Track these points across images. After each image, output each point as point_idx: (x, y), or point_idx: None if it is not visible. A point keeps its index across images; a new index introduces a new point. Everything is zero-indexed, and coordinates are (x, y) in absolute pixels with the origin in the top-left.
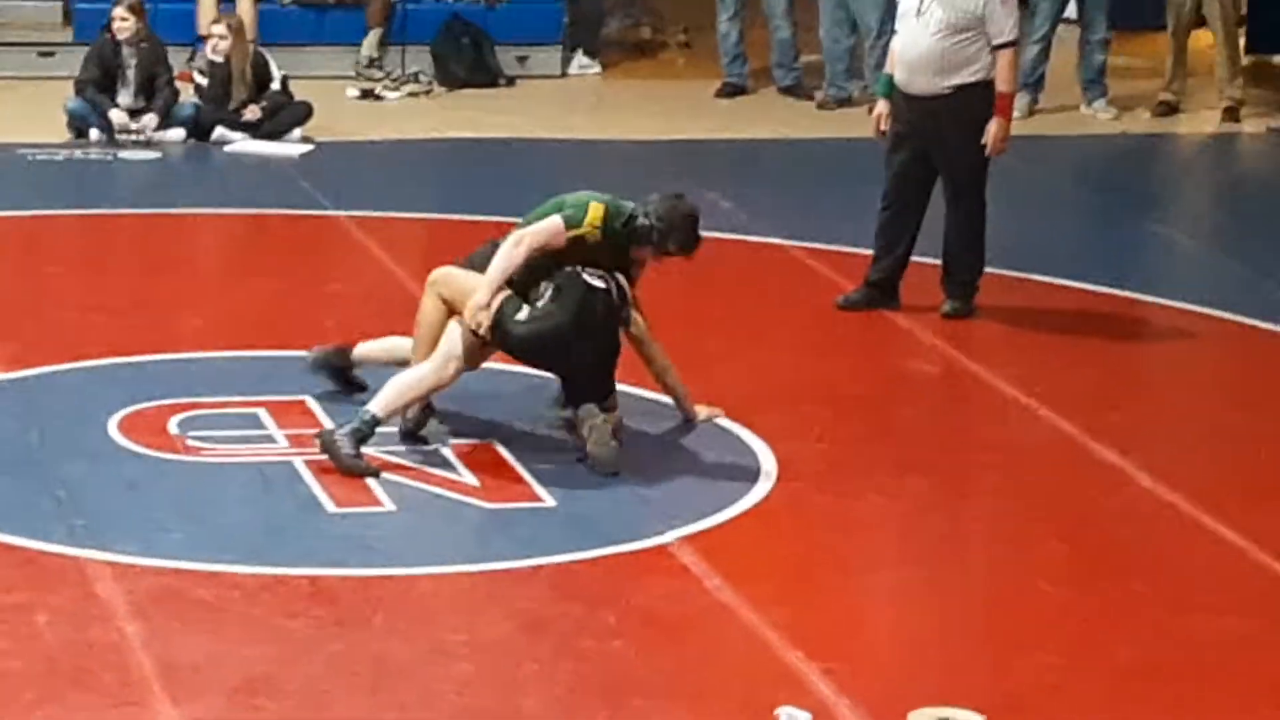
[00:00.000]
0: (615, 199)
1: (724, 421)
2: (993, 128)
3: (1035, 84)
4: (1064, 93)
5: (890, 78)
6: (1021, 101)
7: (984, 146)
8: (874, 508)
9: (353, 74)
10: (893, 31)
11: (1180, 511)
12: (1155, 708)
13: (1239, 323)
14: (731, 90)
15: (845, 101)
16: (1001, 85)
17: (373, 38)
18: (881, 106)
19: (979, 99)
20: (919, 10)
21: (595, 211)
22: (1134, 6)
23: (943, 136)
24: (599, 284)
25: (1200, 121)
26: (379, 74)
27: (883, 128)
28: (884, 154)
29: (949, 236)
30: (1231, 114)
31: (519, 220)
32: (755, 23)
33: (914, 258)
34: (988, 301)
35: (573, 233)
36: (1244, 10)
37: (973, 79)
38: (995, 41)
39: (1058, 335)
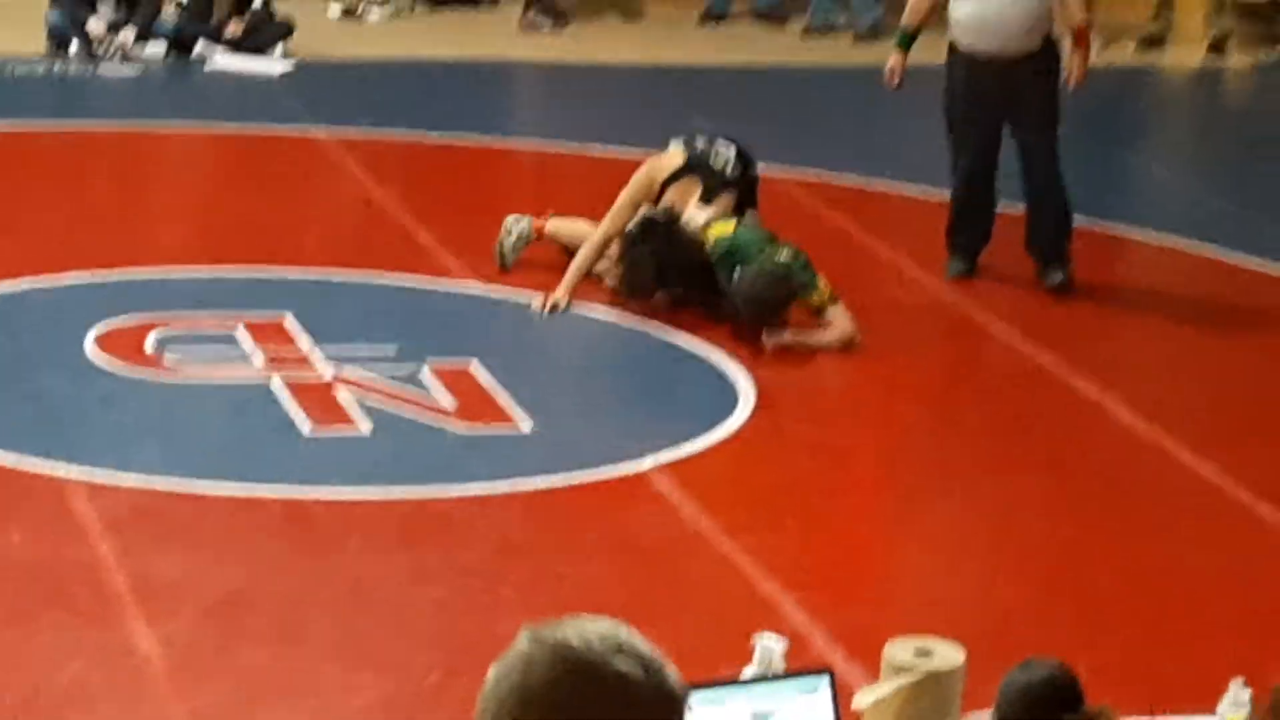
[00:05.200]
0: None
1: (703, 348)
2: (1076, 59)
3: None
4: None
5: (910, 33)
6: None
7: (1058, 99)
8: (852, 437)
9: None
10: None
11: (1159, 445)
12: (1132, 639)
13: (1219, 257)
14: (715, 16)
15: (830, 29)
16: (1076, 18)
17: None
18: (895, 60)
19: (1053, 56)
20: None
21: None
22: None
23: (1024, 99)
24: None
25: (1185, 54)
26: None
27: (896, 81)
28: (955, 127)
29: (1037, 208)
30: (1217, 47)
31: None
32: None
33: (898, 188)
34: None
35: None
36: None
37: (1045, 34)
38: None
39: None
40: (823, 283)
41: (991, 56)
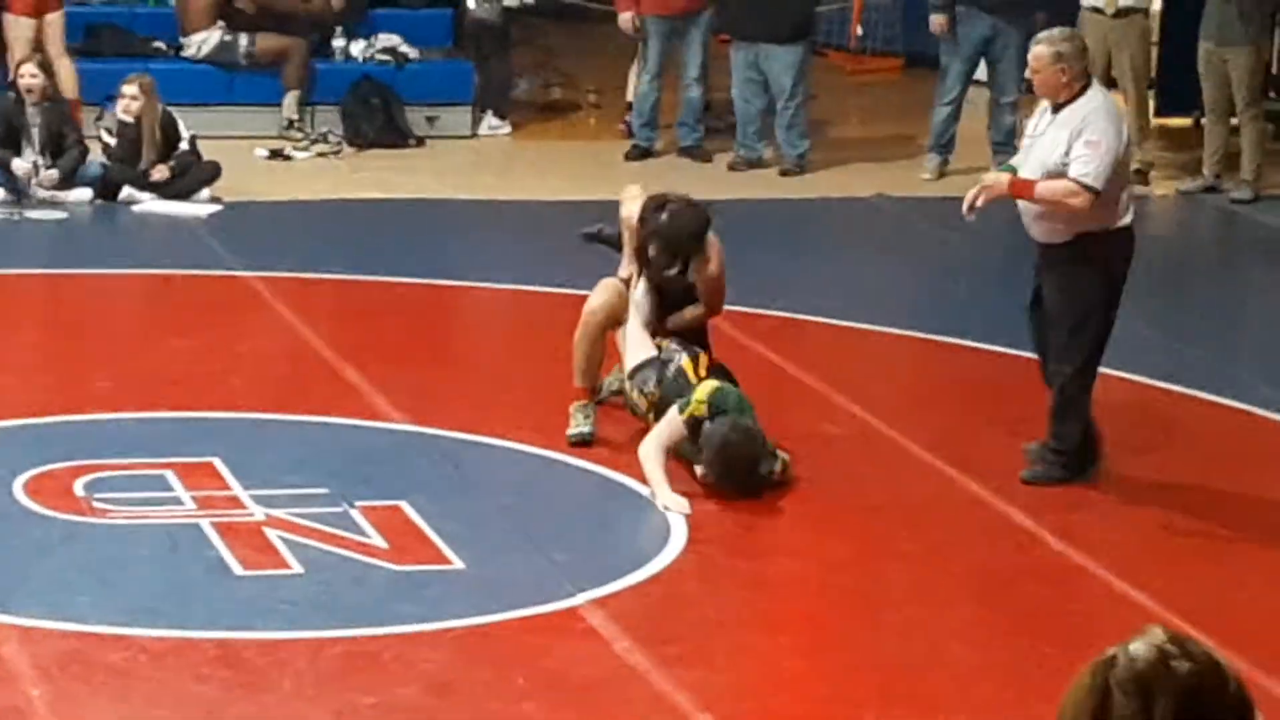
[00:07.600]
0: None
1: (634, 484)
2: (987, 186)
3: (946, 145)
4: (975, 155)
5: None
6: (932, 163)
7: (1085, 304)
8: (784, 570)
9: (261, 134)
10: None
11: (1090, 574)
12: None
13: (1145, 384)
14: (641, 153)
15: (756, 163)
16: (1042, 187)
17: (291, 100)
18: (991, 177)
19: (1084, 252)
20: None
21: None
22: None
23: (1047, 291)
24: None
25: None
26: (299, 135)
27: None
28: (1030, 309)
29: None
30: (1140, 176)
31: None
32: (667, 84)
33: (838, 320)
34: (896, 364)
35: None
36: (1153, 72)
37: (1092, 227)
38: (1071, 174)
39: (967, 397)
40: (703, 392)
41: (1039, 241)
